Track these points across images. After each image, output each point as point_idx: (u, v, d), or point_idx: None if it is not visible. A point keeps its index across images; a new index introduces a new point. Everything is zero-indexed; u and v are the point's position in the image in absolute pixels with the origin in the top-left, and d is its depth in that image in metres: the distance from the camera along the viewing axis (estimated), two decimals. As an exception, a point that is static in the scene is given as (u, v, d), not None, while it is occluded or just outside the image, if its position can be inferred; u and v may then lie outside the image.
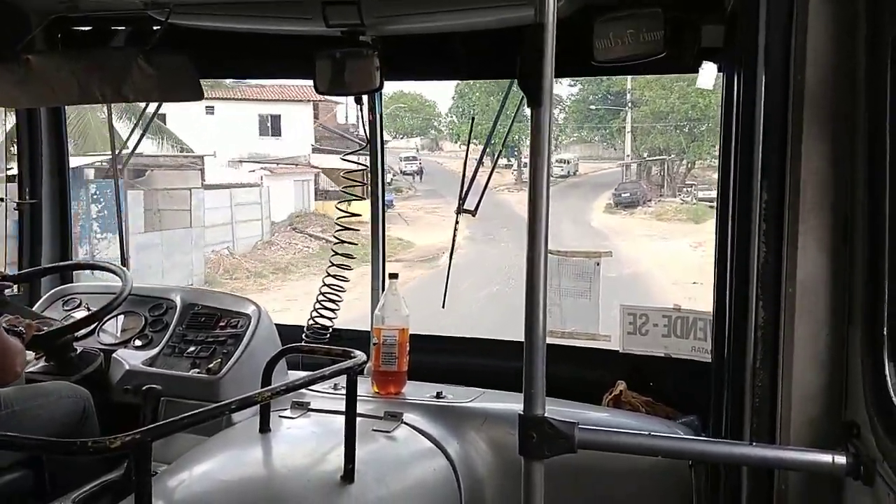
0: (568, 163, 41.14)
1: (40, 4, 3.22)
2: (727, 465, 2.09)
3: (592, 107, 41.98)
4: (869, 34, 1.65)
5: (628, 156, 39.89)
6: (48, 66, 3.21)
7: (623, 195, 33.86)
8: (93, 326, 3.20)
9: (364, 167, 3.59)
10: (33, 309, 3.37)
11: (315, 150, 30.37)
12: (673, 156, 36.67)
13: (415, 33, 3.10)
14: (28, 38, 3.28)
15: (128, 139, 3.91)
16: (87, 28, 3.45)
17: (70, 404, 2.80)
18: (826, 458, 1.64)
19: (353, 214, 3.55)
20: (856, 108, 1.70)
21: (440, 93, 52.79)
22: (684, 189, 34.79)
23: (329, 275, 3.55)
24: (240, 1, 2.95)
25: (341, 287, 3.56)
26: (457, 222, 3.43)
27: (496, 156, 3.98)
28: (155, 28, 3.11)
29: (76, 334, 3.11)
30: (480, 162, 3.46)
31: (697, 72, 2.86)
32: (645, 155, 38.71)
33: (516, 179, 34.73)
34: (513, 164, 35.35)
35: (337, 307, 3.57)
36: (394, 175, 38.18)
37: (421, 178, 36.50)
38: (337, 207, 3.63)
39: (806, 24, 1.75)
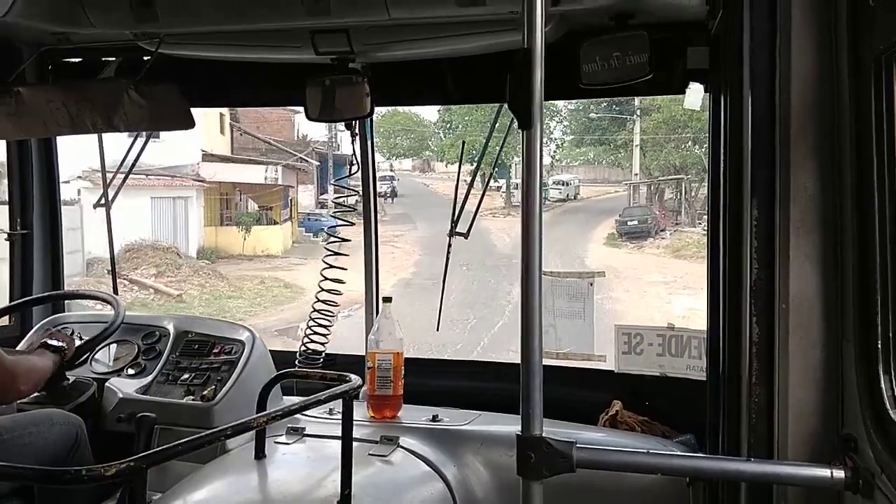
0: (566, 185, 35.88)
1: (31, 37, 3.23)
2: (725, 481, 2.09)
3: (593, 115, 34.83)
4: (851, 52, 1.68)
5: (636, 175, 33.22)
6: (39, 97, 3.22)
7: (629, 222, 27.53)
8: (86, 356, 3.18)
9: (355, 192, 3.61)
10: (25, 338, 3.35)
11: (208, 158, 24.61)
12: (691, 175, 28.89)
13: (404, 60, 3.12)
14: (19, 71, 3.29)
15: (120, 166, 3.90)
16: (77, 60, 3.46)
17: (62, 432, 2.77)
18: (824, 472, 1.65)
19: (343, 240, 3.56)
20: (841, 125, 1.73)
21: (428, 108, 49.90)
22: (705, 216, 24.67)
23: (318, 300, 3.55)
24: (229, 30, 2.97)
25: (331, 312, 3.56)
26: (449, 245, 3.44)
27: (487, 178, 3.99)
28: (145, 58, 3.13)
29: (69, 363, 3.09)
30: (471, 185, 3.48)
31: (684, 93, 2.91)
32: (657, 174, 31.77)
33: (505, 202, 31.16)
34: (502, 185, 31.45)
35: (328, 331, 3.57)
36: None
37: (393, 200, 33.75)
38: (327, 232, 3.63)
39: (789, 44, 1.78)
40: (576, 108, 34.59)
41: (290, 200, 29.88)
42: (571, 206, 33.85)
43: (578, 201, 35.66)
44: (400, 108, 35.59)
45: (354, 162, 3.52)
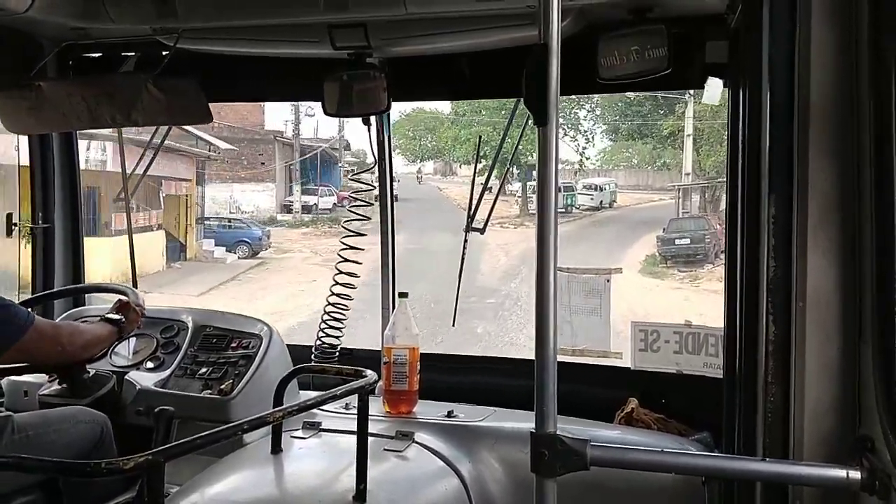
0: (600, 189, 29.72)
1: (52, 32, 3.27)
2: (741, 481, 2.08)
3: (631, 94, 23.93)
4: (872, 47, 1.65)
5: (687, 175, 25.09)
6: (59, 92, 3.25)
7: (678, 240, 20.14)
8: (103, 352, 3.22)
9: (372, 187, 3.61)
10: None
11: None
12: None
13: (421, 54, 3.12)
14: (40, 65, 3.33)
15: (137, 163, 3.93)
16: (97, 55, 3.49)
17: (87, 429, 2.81)
18: (840, 473, 1.63)
19: (359, 234, 3.56)
20: (861, 121, 1.70)
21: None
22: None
23: (332, 293, 3.56)
24: (247, 25, 2.99)
25: (345, 306, 3.57)
26: (465, 241, 3.44)
27: (504, 173, 3.99)
28: (164, 53, 3.15)
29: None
30: (486, 185, 3.47)
31: (703, 88, 2.88)
32: (714, 174, 23.87)
33: (521, 209, 26.79)
34: (517, 190, 27.53)
35: (342, 325, 3.58)
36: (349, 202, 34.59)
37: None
38: (343, 227, 3.64)
39: (809, 38, 1.75)
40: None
41: (164, 199, 21.51)
42: (604, 216, 27.72)
43: (614, 209, 29.52)
44: (426, 109, 33.54)
45: (373, 157, 3.53)
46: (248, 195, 30.93)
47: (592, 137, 30.24)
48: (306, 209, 32.03)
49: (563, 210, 25.89)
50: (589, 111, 28.95)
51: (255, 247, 25.87)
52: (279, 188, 31.53)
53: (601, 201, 29.48)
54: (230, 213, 29.53)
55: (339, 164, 34.28)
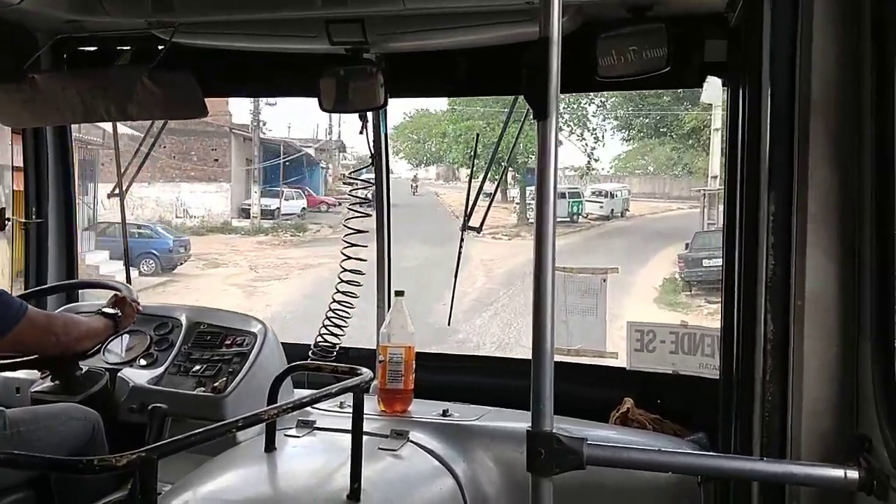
0: (611, 196, 26.23)
1: (46, 24, 3.25)
2: (737, 481, 2.07)
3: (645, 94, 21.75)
4: (874, 46, 1.65)
5: (714, 178, 20.91)
6: (54, 85, 3.23)
7: (707, 261, 15.69)
8: (97, 346, 3.20)
9: (370, 183, 3.60)
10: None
11: None
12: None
13: (419, 50, 3.11)
14: (34, 58, 3.30)
15: (132, 159, 3.91)
16: (92, 48, 3.47)
17: (79, 427, 2.79)
18: (838, 472, 1.62)
19: (360, 231, 3.54)
20: (861, 119, 1.70)
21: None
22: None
23: (338, 291, 3.54)
24: (243, 20, 2.97)
25: (350, 304, 3.55)
26: (462, 239, 3.43)
27: (502, 172, 3.98)
28: (159, 47, 3.13)
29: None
30: (482, 185, 3.46)
31: (701, 87, 2.88)
32: None
33: (519, 218, 23.98)
34: (516, 196, 25.10)
35: (346, 324, 3.56)
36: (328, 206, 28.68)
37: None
38: (345, 225, 3.63)
39: (810, 37, 1.75)
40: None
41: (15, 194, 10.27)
42: (614, 227, 23.87)
43: (626, 219, 25.78)
44: (431, 111, 30.61)
45: (370, 154, 3.51)
46: (199, 197, 26.07)
47: (602, 136, 25.80)
48: (268, 214, 27.64)
49: (568, 219, 23.32)
50: (599, 106, 24.93)
51: (166, 260, 21.22)
52: (235, 188, 26.61)
53: (612, 209, 25.89)
54: (176, 217, 25.61)
55: (323, 165, 32.29)
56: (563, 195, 23.58)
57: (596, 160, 26.15)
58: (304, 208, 28.91)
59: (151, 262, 20.88)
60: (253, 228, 26.61)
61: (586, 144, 24.86)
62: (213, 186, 25.64)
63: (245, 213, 26.83)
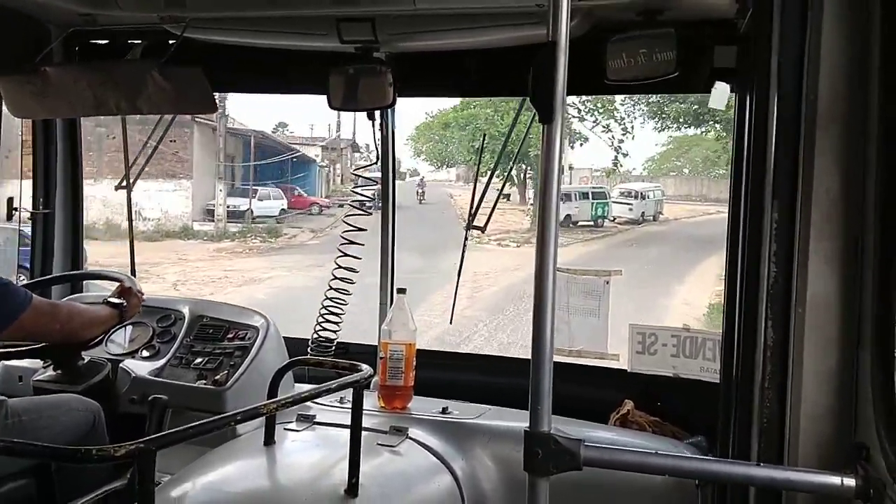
0: (641, 197, 23.22)
1: (59, 18, 3.26)
2: (734, 486, 2.08)
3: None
4: (883, 55, 1.65)
5: None
6: (65, 78, 3.25)
7: None
8: (102, 335, 3.22)
9: (374, 182, 3.61)
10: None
11: None
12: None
13: (428, 50, 3.12)
14: (46, 51, 3.32)
15: (140, 151, 3.93)
16: (103, 41, 3.49)
17: (80, 417, 2.81)
18: (835, 480, 1.63)
19: (360, 229, 3.56)
20: (868, 128, 1.70)
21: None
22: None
23: (331, 287, 3.56)
24: (254, 17, 2.98)
25: (343, 300, 3.56)
26: (466, 238, 3.44)
27: (508, 170, 3.98)
28: (170, 42, 3.15)
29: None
30: (488, 184, 3.46)
31: (710, 92, 2.88)
32: None
33: (533, 222, 18.27)
34: (532, 197, 22.38)
35: (340, 319, 3.57)
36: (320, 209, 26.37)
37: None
38: (344, 221, 3.64)
39: (819, 44, 1.75)
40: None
41: None
42: (645, 232, 20.75)
43: (660, 223, 22.89)
44: (458, 108, 27.80)
45: (376, 152, 3.52)
46: (154, 196, 22.08)
47: (632, 127, 22.01)
48: (236, 216, 24.02)
49: (591, 223, 21.17)
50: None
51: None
52: (198, 187, 22.90)
53: (642, 212, 22.71)
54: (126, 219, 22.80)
55: (323, 164, 30.31)
56: (584, 195, 21.65)
57: (624, 155, 23.08)
58: (283, 209, 25.66)
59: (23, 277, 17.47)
60: (218, 233, 23.08)
61: (612, 137, 22.05)
62: (171, 184, 22.26)
63: (210, 214, 23.26)
